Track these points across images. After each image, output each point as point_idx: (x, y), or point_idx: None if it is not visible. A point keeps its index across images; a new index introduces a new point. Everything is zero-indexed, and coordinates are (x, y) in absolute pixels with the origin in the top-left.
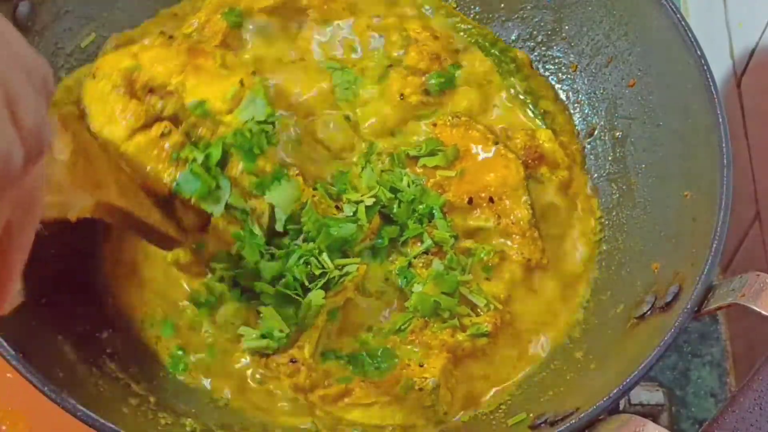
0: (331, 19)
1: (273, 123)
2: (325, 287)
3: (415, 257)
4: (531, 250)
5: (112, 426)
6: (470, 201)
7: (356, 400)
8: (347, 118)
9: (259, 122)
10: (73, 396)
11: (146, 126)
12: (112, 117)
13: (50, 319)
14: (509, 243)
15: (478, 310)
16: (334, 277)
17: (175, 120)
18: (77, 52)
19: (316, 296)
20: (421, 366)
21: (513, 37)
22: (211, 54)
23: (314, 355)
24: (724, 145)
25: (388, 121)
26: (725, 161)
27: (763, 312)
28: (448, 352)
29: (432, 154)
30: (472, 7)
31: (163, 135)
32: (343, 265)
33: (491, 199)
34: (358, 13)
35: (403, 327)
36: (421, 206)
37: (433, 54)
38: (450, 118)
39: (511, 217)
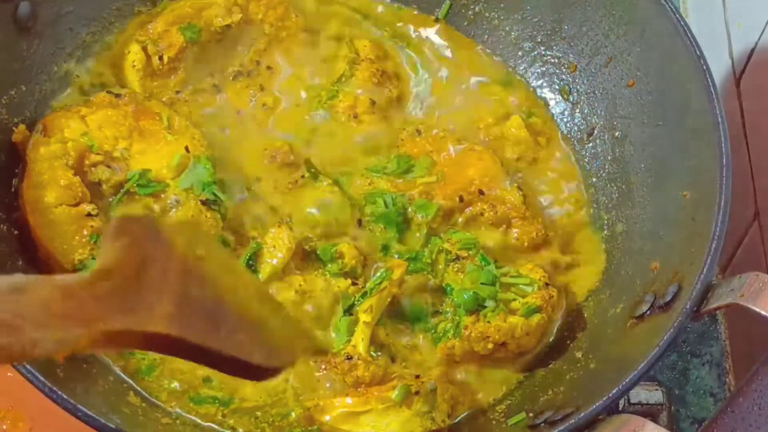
0: (282, 36)
1: (214, 194)
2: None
3: (447, 264)
4: (534, 227)
5: (112, 426)
6: (461, 199)
7: (352, 408)
8: (309, 163)
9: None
10: (73, 396)
11: (76, 203)
12: (50, 182)
13: None
14: (512, 229)
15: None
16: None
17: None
18: (77, 52)
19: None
20: (417, 377)
21: (513, 37)
22: (157, 115)
23: (368, 351)
24: (723, 145)
25: (346, 147)
26: (724, 161)
27: (763, 312)
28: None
29: (408, 171)
30: (473, 6)
31: (89, 215)
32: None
33: (481, 192)
34: (310, 32)
35: (446, 330)
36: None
37: (380, 71)
38: (407, 130)
39: (506, 204)
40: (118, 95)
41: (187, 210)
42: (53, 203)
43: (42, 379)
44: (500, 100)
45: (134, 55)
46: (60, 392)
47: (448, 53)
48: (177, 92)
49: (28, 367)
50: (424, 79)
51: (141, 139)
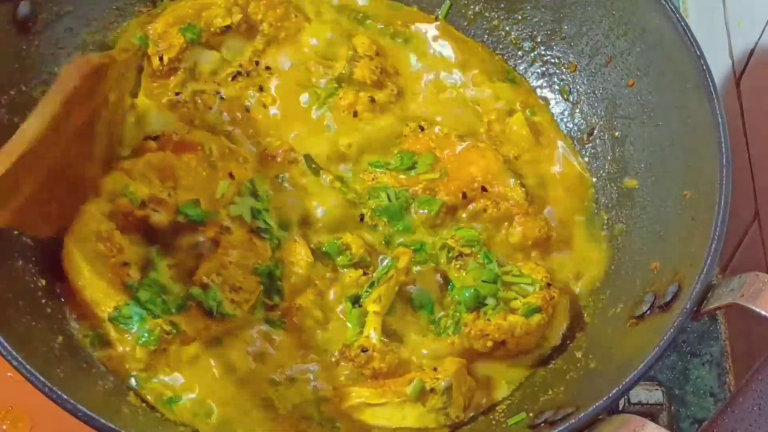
0: (281, 36)
1: (265, 221)
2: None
3: (449, 260)
4: (536, 224)
5: (112, 426)
6: (464, 195)
7: (368, 400)
8: (309, 158)
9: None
10: (73, 396)
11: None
12: (92, 235)
13: (51, 319)
14: (515, 225)
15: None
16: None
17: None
18: (77, 52)
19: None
20: (435, 369)
21: (513, 37)
22: (198, 145)
23: (381, 340)
24: (723, 144)
25: (347, 145)
26: (724, 161)
27: (762, 312)
28: (504, 335)
29: (411, 167)
30: (473, 6)
31: (125, 264)
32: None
33: (484, 188)
34: (309, 31)
35: (447, 326)
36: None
37: (380, 68)
38: (410, 127)
39: (509, 201)
40: (156, 138)
41: (236, 239)
42: (92, 257)
43: (42, 379)
44: (501, 99)
45: None
46: (60, 392)
47: (448, 52)
48: (176, 93)
49: (28, 367)
50: (424, 77)
51: (185, 174)
